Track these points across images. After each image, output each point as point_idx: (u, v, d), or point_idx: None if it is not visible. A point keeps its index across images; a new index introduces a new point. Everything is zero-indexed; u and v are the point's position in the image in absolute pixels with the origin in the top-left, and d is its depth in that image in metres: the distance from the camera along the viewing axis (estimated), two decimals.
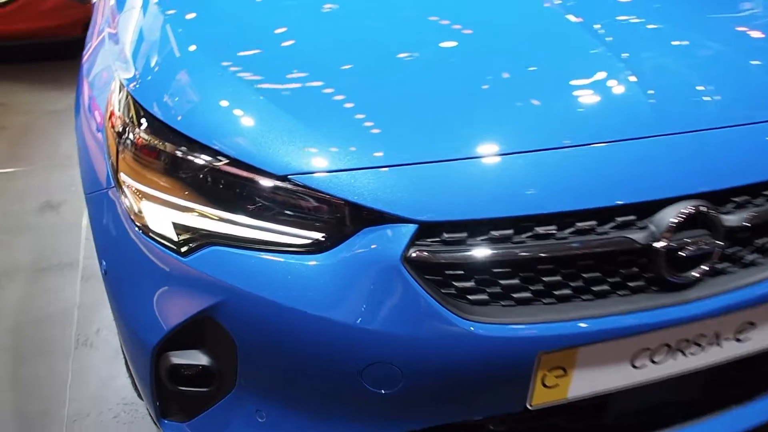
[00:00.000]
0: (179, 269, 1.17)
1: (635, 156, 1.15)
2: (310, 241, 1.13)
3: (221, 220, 1.15)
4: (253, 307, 1.13)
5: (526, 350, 1.13)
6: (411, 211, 1.09)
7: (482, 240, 1.11)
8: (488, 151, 1.13)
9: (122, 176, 1.26)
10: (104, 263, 1.35)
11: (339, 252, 1.11)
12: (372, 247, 1.09)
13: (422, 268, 1.10)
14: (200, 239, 1.16)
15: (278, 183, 1.12)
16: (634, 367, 1.21)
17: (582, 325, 1.13)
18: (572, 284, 1.15)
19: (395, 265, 1.08)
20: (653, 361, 1.22)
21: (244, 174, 1.14)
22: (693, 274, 1.17)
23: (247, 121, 1.18)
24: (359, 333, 1.10)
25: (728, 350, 1.28)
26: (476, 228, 1.11)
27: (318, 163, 1.11)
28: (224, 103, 1.21)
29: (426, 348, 1.11)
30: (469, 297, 1.13)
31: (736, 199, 1.20)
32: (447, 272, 1.12)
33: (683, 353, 1.23)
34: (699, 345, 1.24)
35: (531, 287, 1.14)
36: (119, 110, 1.33)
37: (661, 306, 1.16)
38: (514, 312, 1.14)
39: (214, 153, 1.15)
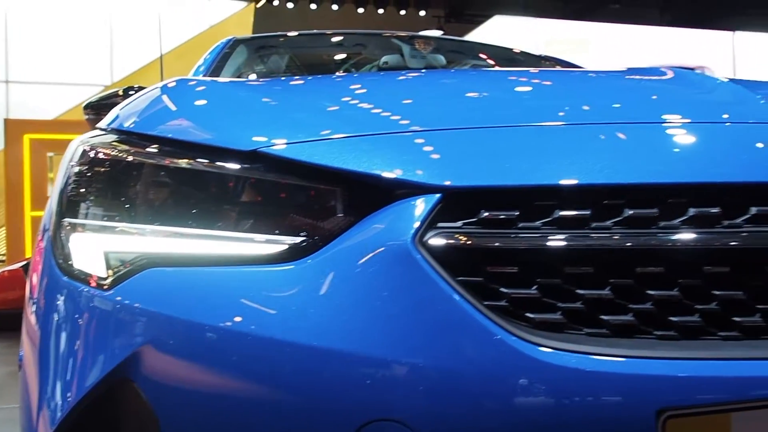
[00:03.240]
0: (97, 310, 0.78)
1: None
2: (284, 248, 0.75)
3: (165, 234, 0.80)
4: (188, 348, 0.71)
5: (639, 402, 0.64)
6: (431, 175, 0.71)
7: (544, 224, 0.71)
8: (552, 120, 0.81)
9: (64, 221, 0.93)
10: (21, 351, 0.95)
11: (322, 253, 0.72)
12: (368, 232, 0.71)
13: (450, 261, 0.69)
14: (135, 263, 0.79)
15: (243, 164, 0.79)
16: None
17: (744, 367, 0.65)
18: (700, 307, 0.69)
19: (403, 249, 0.68)
20: None
21: (196, 161, 0.81)
22: None
23: (204, 106, 0.94)
24: (347, 364, 0.66)
25: None
26: (531, 204, 0.71)
27: (297, 133, 0.79)
28: (175, 98, 0.96)
29: (456, 390, 0.64)
30: (530, 316, 0.68)
31: None
32: (490, 270, 0.69)
33: None
34: None
35: (632, 306, 0.69)
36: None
37: None
38: (609, 345, 0.67)
39: (161, 143, 0.85)
